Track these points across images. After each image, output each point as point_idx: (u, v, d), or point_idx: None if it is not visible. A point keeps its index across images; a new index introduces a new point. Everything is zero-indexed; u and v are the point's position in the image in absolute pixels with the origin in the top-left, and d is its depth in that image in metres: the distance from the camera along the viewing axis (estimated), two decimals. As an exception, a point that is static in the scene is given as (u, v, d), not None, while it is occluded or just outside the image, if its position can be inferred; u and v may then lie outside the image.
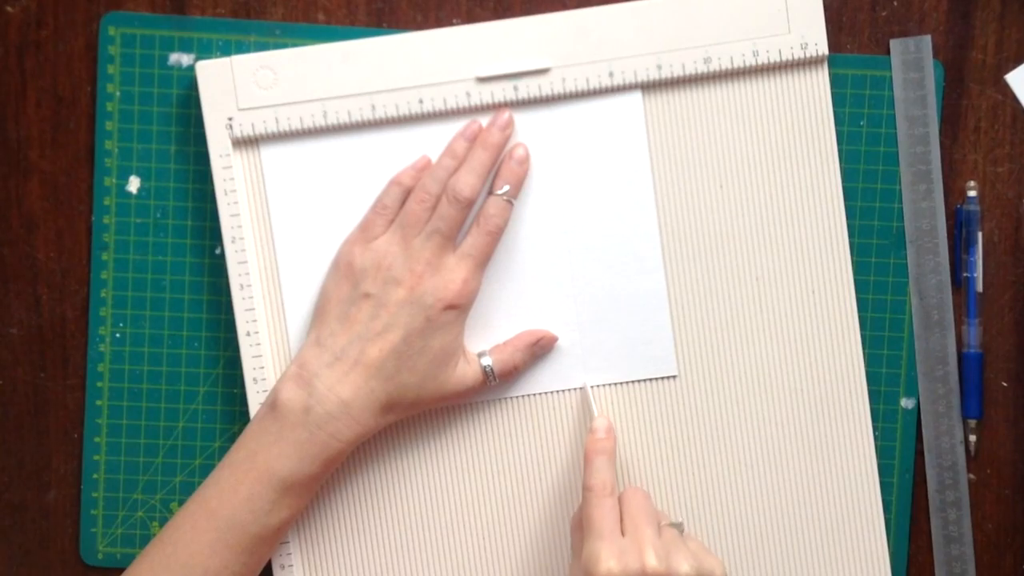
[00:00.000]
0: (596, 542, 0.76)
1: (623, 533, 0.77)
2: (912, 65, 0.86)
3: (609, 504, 0.78)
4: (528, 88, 0.85)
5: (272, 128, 0.85)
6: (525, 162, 0.85)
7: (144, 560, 0.80)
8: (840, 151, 0.86)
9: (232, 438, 0.84)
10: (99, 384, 0.87)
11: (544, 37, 0.85)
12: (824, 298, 0.86)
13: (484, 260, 0.84)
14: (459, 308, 0.82)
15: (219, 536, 0.79)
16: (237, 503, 0.79)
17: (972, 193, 0.86)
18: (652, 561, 0.75)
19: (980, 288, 0.87)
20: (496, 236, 0.84)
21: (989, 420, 0.87)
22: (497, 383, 0.85)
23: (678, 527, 0.80)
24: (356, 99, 0.85)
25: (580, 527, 0.79)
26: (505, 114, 0.84)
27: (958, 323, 0.87)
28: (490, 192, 0.84)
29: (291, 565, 0.86)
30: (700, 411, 0.86)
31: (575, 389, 0.86)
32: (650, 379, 0.86)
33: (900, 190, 0.86)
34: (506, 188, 0.84)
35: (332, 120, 0.85)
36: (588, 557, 0.76)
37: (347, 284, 0.83)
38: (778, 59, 0.85)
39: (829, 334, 0.86)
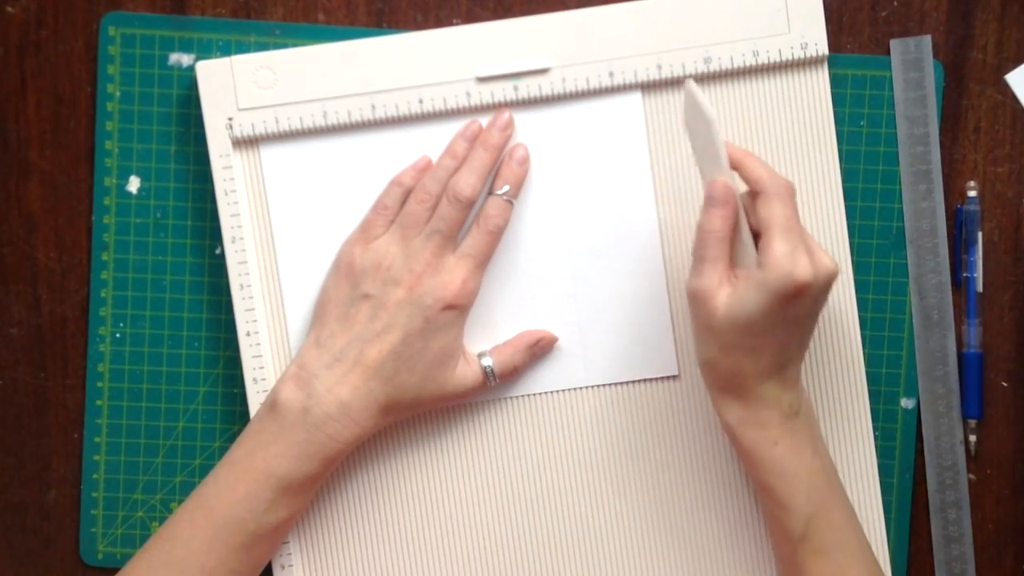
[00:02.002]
0: (793, 244, 0.74)
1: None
2: (912, 65, 0.86)
3: (793, 212, 0.76)
4: (528, 88, 0.85)
5: (272, 128, 0.85)
6: (525, 162, 0.85)
7: (143, 557, 0.80)
8: (840, 151, 0.86)
9: (232, 438, 0.84)
10: (99, 384, 0.87)
11: (544, 37, 0.85)
12: (824, 298, 0.86)
13: (484, 260, 0.84)
14: (458, 308, 0.82)
15: (216, 534, 0.79)
16: (235, 501, 0.79)
17: (972, 193, 0.86)
18: (829, 263, 0.76)
19: (980, 288, 0.87)
20: (496, 236, 0.84)
21: (989, 420, 0.87)
22: (497, 383, 0.85)
23: None
24: (356, 99, 0.85)
25: (720, 234, 0.76)
26: (505, 114, 0.84)
27: (958, 323, 0.87)
28: (490, 192, 0.84)
29: (291, 565, 0.86)
30: (701, 411, 0.86)
31: (575, 389, 0.86)
32: (651, 379, 0.86)
33: (900, 190, 0.86)
34: (506, 188, 0.84)
35: (332, 120, 0.85)
36: (787, 259, 0.74)
37: (347, 284, 0.83)
38: (778, 59, 0.85)
39: (829, 334, 0.86)
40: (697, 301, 0.76)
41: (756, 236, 0.77)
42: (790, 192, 0.77)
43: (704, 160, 0.79)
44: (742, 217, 0.77)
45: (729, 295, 0.75)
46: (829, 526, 0.78)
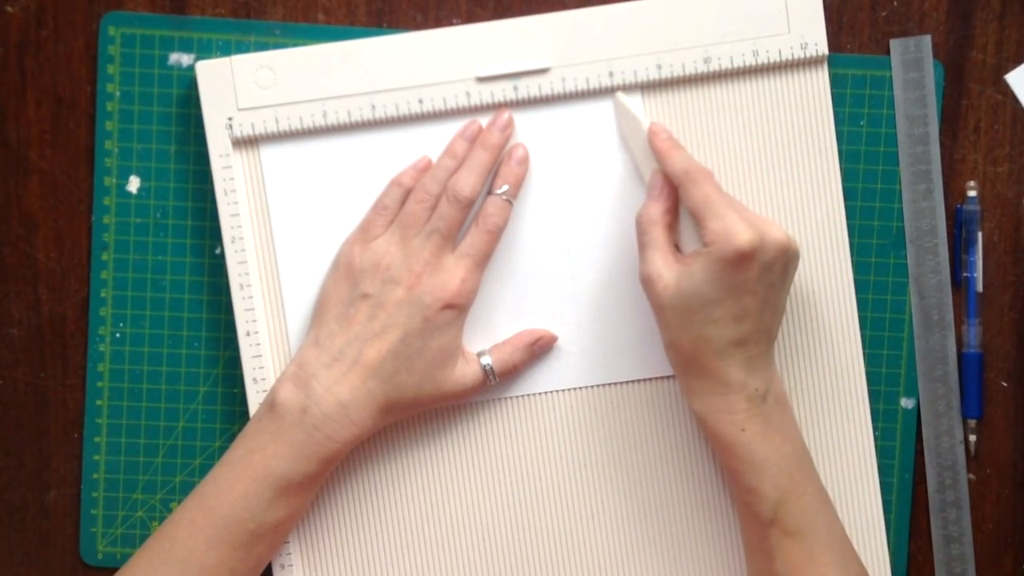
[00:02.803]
0: (726, 216, 0.77)
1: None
2: (912, 65, 0.86)
3: (715, 182, 0.79)
4: (528, 88, 0.85)
5: (272, 128, 0.85)
6: (524, 162, 0.85)
7: (142, 555, 0.80)
8: (840, 151, 0.86)
9: (232, 438, 0.84)
10: (99, 384, 0.87)
11: (544, 37, 0.85)
12: (824, 298, 0.86)
13: (483, 259, 0.84)
14: (457, 308, 0.82)
15: (216, 532, 0.79)
16: (234, 500, 0.79)
17: (972, 193, 0.86)
18: (779, 232, 0.78)
19: (980, 288, 0.87)
20: (495, 235, 0.84)
21: (989, 420, 0.87)
22: (497, 382, 0.85)
23: None
24: (356, 99, 0.85)
25: (657, 221, 0.80)
26: (505, 114, 0.84)
27: (958, 323, 0.87)
28: (489, 192, 0.84)
29: (291, 565, 0.86)
30: (700, 411, 0.86)
31: (575, 389, 0.86)
32: (650, 379, 0.86)
33: (900, 190, 0.86)
34: (505, 188, 0.84)
35: (332, 120, 0.85)
36: (722, 232, 0.76)
37: (346, 284, 0.83)
38: (778, 59, 0.85)
39: (829, 334, 0.86)
40: (648, 287, 0.79)
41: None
42: (707, 175, 0.79)
43: (642, 163, 0.84)
44: (683, 207, 0.80)
45: (677, 273, 0.78)
46: (799, 511, 0.78)
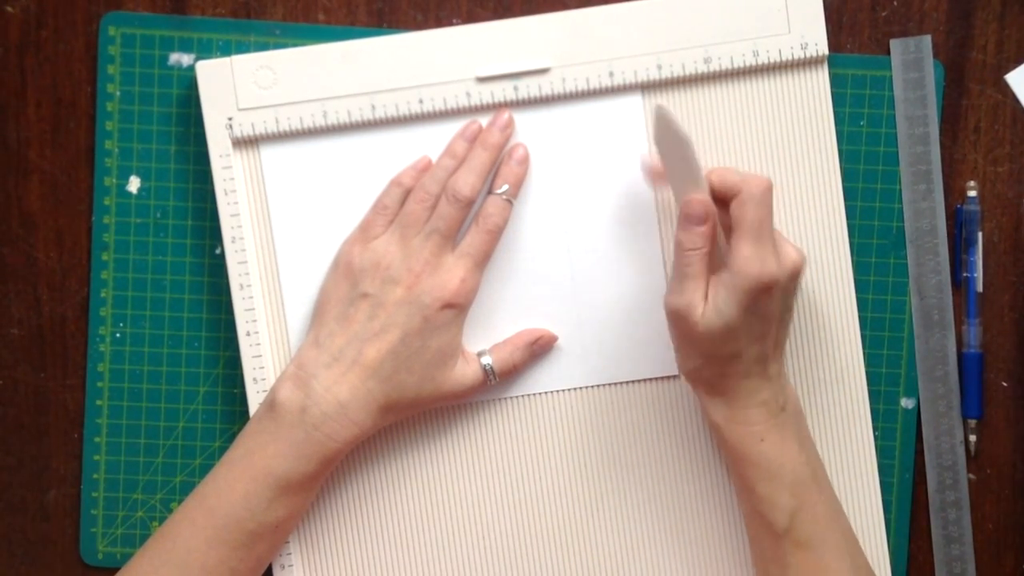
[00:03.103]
0: (764, 244, 0.76)
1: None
2: (912, 65, 0.86)
3: (768, 216, 0.78)
4: (528, 88, 0.85)
5: (272, 128, 0.85)
6: (524, 162, 0.85)
7: (143, 555, 0.80)
8: (840, 151, 0.86)
9: (232, 438, 0.84)
10: (99, 384, 0.87)
11: (544, 37, 0.85)
12: (824, 298, 0.86)
13: (482, 259, 0.84)
14: (457, 307, 0.82)
15: (216, 532, 0.79)
16: (234, 500, 0.79)
17: (972, 193, 0.86)
18: (796, 256, 0.78)
19: (980, 288, 0.87)
20: (495, 235, 0.84)
21: (989, 420, 0.87)
22: (497, 382, 0.85)
23: None
24: (356, 99, 0.85)
25: (701, 249, 0.77)
26: (505, 114, 0.84)
27: (958, 323, 0.87)
28: (489, 192, 0.84)
29: (291, 565, 0.86)
30: (700, 410, 0.86)
31: (575, 389, 0.86)
32: (651, 379, 0.86)
33: (900, 190, 0.86)
34: (505, 187, 0.84)
35: (332, 120, 0.85)
36: (756, 260, 0.76)
37: (346, 284, 0.83)
38: (778, 59, 0.85)
39: (829, 334, 0.86)
40: (678, 317, 0.78)
41: (727, 231, 0.79)
42: (765, 191, 0.77)
43: (677, 177, 0.80)
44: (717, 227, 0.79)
45: (704, 306, 0.77)
46: (813, 520, 0.78)
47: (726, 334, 0.77)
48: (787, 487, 0.78)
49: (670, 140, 0.79)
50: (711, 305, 0.77)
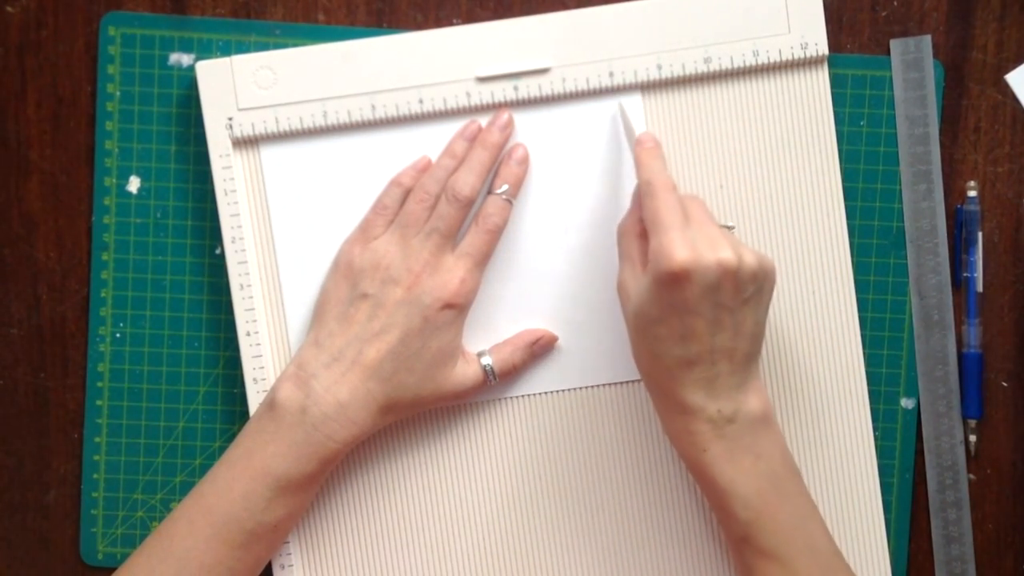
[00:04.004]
0: (665, 233, 0.75)
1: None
2: (912, 65, 0.86)
3: (674, 197, 0.77)
4: (528, 88, 0.85)
5: (272, 128, 0.85)
6: (524, 162, 0.85)
7: (141, 553, 0.80)
8: (840, 151, 0.86)
9: (232, 438, 0.84)
10: (99, 384, 0.87)
11: (544, 37, 0.85)
12: (824, 298, 0.86)
13: (482, 259, 0.84)
14: (457, 308, 0.82)
15: (215, 532, 0.79)
16: (233, 500, 0.79)
17: (972, 193, 0.86)
18: (727, 252, 0.74)
19: (980, 288, 0.87)
20: (495, 235, 0.84)
21: (989, 420, 0.87)
22: (497, 382, 0.85)
23: (732, 229, 0.80)
24: (356, 99, 0.85)
25: (631, 231, 0.79)
26: (505, 114, 0.84)
27: (958, 323, 0.87)
28: (489, 192, 0.84)
29: (291, 565, 0.86)
30: (700, 411, 0.86)
31: (575, 389, 0.86)
32: (650, 379, 0.86)
33: (900, 190, 0.86)
34: (505, 187, 0.84)
35: (332, 120, 0.85)
36: (658, 249, 0.74)
37: (346, 284, 0.83)
38: (778, 59, 0.85)
39: (829, 334, 0.86)
40: (619, 296, 0.79)
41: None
42: (667, 188, 0.77)
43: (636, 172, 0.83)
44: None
45: (637, 287, 0.77)
46: (773, 531, 0.77)
47: (644, 318, 0.76)
48: (738, 499, 0.77)
49: (628, 133, 0.83)
50: (635, 287, 0.77)
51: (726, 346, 0.76)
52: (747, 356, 0.77)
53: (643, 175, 0.79)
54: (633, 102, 0.85)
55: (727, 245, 0.75)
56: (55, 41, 0.87)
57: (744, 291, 0.76)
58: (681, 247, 0.74)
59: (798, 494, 0.78)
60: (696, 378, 0.76)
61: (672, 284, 0.74)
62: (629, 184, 0.85)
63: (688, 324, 0.75)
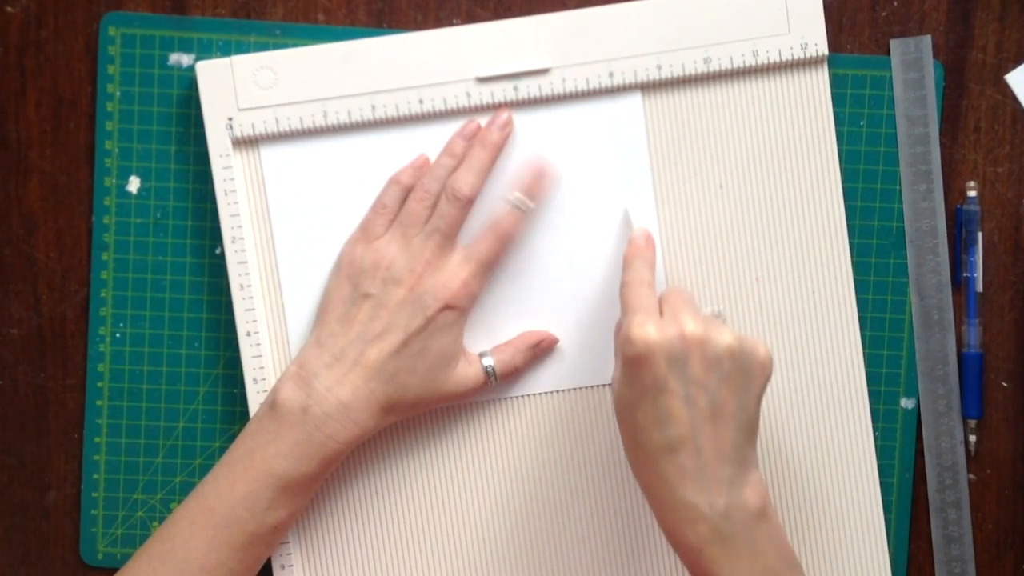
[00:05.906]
0: (632, 317, 0.74)
1: (661, 315, 0.75)
2: (912, 65, 0.86)
3: (646, 290, 0.76)
4: (528, 88, 0.85)
5: (272, 128, 0.85)
6: (546, 176, 0.84)
7: (142, 555, 0.80)
8: (840, 151, 0.86)
9: (232, 438, 0.84)
10: (99, 384, 0.87)
11: (544, 37, 0.85)
12: (824, 298, 0.86)
13: (488, 264, 0.84)
14: (458, 309, 0.82)
15: (216, 533, 0.79)
16: (234, 501, 0.79)
17: (972, 193, 0.86)
18: (691, 325, 0.73)
19: (980, 288, 0.87)
20: (504, 242, 0.84)
21: (989, 420, 0.87)
22: (498, 383, 0.85)
23: (718, 315, 0.78)
24: (356, 99, 0.85)
25: (616, 331, 0.79)
26: (504, 114, 0.84)
27: (958, 323, 0.87)
28: (512, 199, 0.84)
29: (291, 565, 0.86)
30: (700, 411, 0.86)
31: (575, 389, 0.86)
32: (650, 379, 0.86)
33: (900, 190, 0.86)
34: (517, 195, 0.84)
35: (332, 120, 0.85)
36: (624, 332, 0.73)
37: (348, 284, 0.83)
38: (778, 59, 0.85)
39: (829, 334, 0.86)
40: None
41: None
42: (638, 283, 0.77)
43: None
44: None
45: (613, 379, 0.76)
46: None
47: (618, 400, 0.75)
48: None
49: (628, 232, 0.84)
50: (614, 378, 0.76)
51: (708, 430, 0.73)
52: (736, 445, 0.73)
53: (623, 276, 0.79)
54: (633, 102, 0.85)
55: (694, 321, 0.73)
56: (55, 41, 0.87)
57: (718, 367, 0.73)
58: (643, 325, 0.73)
59: None
60: (682, 467, 0.73)
61: (638, 363, 0.73)
62: (629, 185, 0.85)
63: (662, 404, 0.73)
